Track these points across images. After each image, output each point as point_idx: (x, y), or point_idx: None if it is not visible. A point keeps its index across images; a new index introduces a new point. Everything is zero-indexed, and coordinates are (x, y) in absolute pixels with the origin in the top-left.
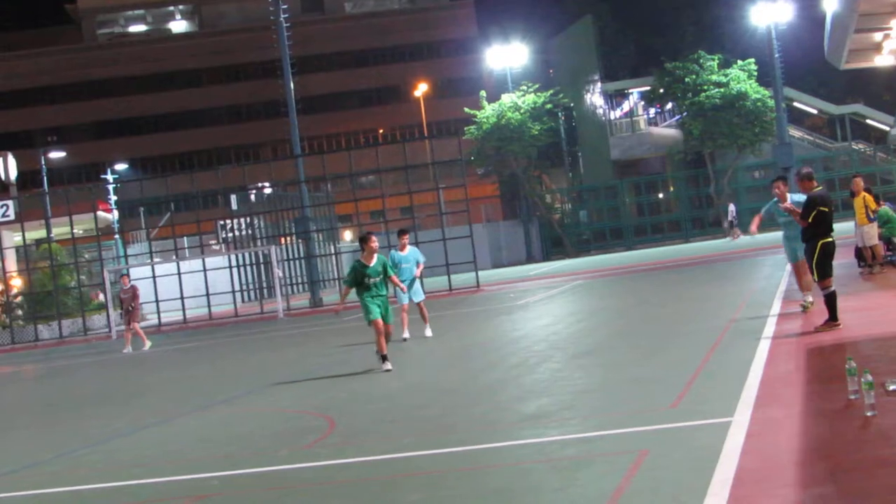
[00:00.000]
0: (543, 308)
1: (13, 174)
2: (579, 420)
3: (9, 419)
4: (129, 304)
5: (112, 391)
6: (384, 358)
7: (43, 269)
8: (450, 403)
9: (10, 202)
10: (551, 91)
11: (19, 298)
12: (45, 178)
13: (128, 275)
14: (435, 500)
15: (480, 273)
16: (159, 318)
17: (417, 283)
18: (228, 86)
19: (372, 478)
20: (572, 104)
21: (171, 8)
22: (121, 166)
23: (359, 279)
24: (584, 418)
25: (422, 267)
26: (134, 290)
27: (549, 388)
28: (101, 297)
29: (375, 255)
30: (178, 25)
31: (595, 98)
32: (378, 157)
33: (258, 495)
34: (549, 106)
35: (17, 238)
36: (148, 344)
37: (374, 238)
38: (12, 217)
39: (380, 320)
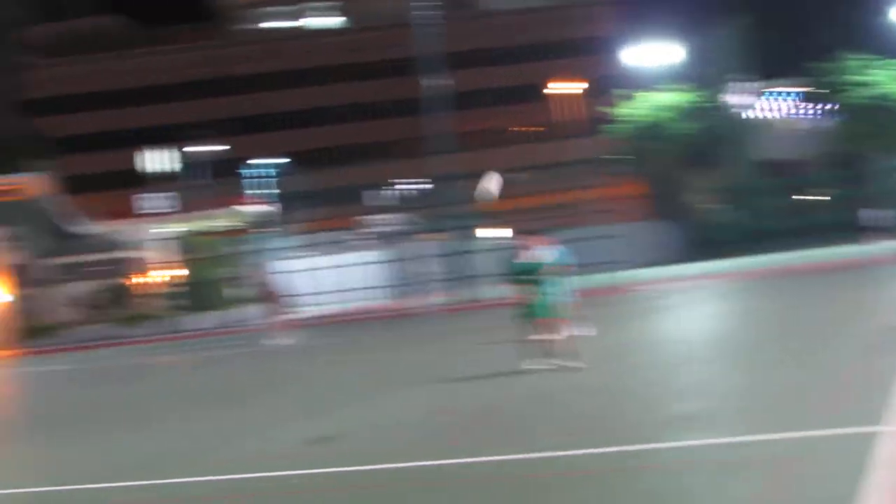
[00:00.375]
0: (692, 309)
1: (162, 167)
2: (729, 424)
3: (178, 407)
4: (271, 296)
5: (262, 382)
6: (549, 355)
7: (196, 260)
8: (599, 403)
9: (174, 194)
10: (697, 90)
11: (180, 288)
12: (209, 172)
13: (270, 268)
14: (584, 499)
15: (628, 272)
16: (312, 311)
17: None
18: (371, 82)
19: (526, 475)
20: (718, 103)
21: (313, 3)
22: (279, 160)
23: (520, 275)
24: (733, 422)
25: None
26: (276, 282)
27: (699, 390)
28: (255, 287)
29: (534, 252)
30: (321, 21)
31: (742, 97)
32: (524, 154)
33: (414, 489)
34: (695, 105)
35: (167, 230)
36: (282, 338)
37: (526, 236)
38: (175, 209)
39: (542, 317)
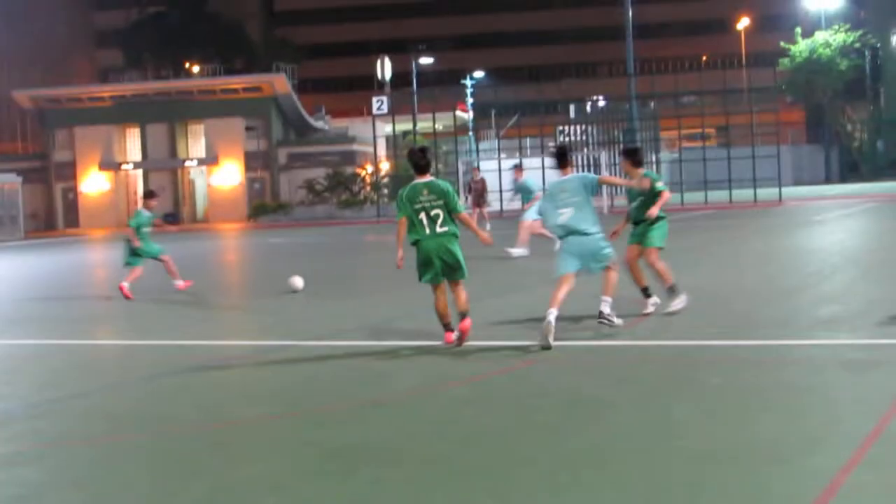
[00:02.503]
0: (839, 224)
1: (388, 75)
2: (869, 327)
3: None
4: (479, 193)
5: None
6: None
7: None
8: (751, 302)
9: (384, 98)
10: (861, 31)
11: (386, 179)
12: (414, 80)
13: (478, 167)
14: (733, 385)
15: (783, 189)
16: (501, 206)
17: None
18: (574, 10)
19: (678, 359)
20: (879, 44)
21: None
22: (478, 74)
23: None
24: (873, 325)
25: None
26: (483, 181)
27: (843, 296)
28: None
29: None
30: None
31: None
32: (701, 80)
33: (584, 362)
34: (857, 45)
35: (387, 129)
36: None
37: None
38: (385, 111)
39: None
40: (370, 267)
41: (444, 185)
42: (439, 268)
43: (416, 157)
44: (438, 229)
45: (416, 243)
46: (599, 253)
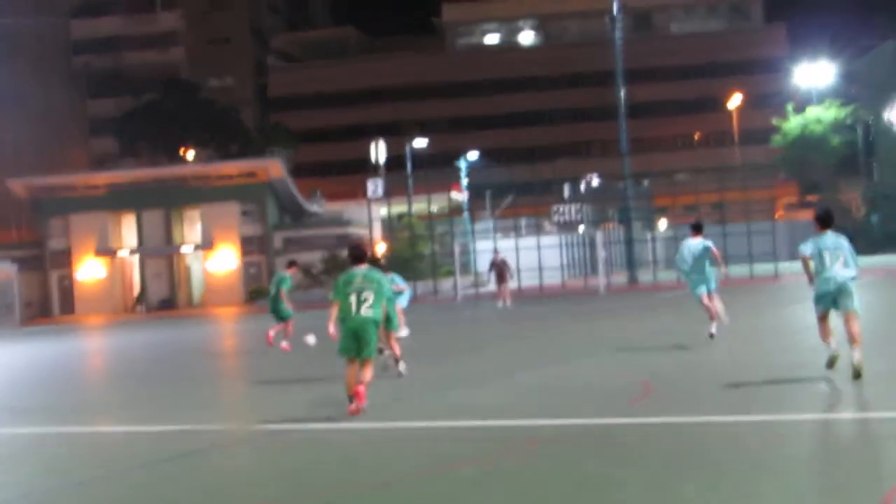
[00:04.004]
0: None
1: (383, 158)
2: (876, 401)
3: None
4: (500, 272)
5: (461, 343)
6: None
7: (403, 238)
8: (751, 377)
9: (379, 181)
10: (853, 106)
11: (383, 262)
12: (409, 162)
13: (497, 251)
14: (739, 461)
15: (779, 265)
16: (519, 283)
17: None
18: (567, 91)
19: (683, 436)
20: (872, 119)
21: (521, 23)
22: (473, 155)
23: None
24: (879, 399)
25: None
26: (504, 261)
27: (846, 371)
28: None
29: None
30: (526, 37)
31: (894, 114)
32: (695, 157)
33: (584, 443)
34: (849, 120)
35: (383, 211)
36: (504, 304)
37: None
38: (381, 194)
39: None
40: None
41: (378, 274)
42: (355, 344)
43: (353, 251)
44: (363, 312)
45: (342, 321)
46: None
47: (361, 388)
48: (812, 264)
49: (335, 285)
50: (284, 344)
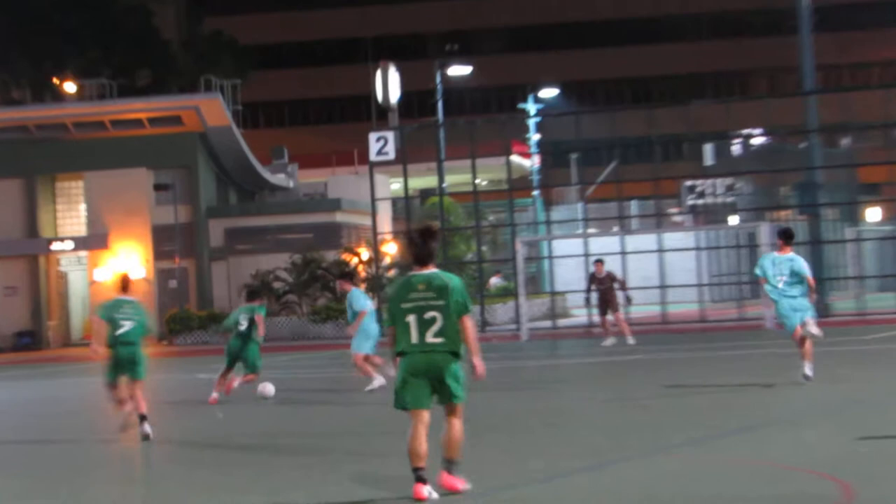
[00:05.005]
0: None
1: (395, 95)
2: None
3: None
4: (606, 294)
5: (525, 413)
6: None
7: (449, 232)
8: None
9: (388, 135)
10: None
11: (392, 272)
12: (439, 104)
13: (601, 261)
14: None
15: None
16: (589, 314)
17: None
18: None
19: None
20: None
21: None
22: (546, 92)
23: None
24: None
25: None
26: (612, 277)
27: None
28: (501, 278)
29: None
30: None
31: None
32: None
33: None
34: None
35: (395, 185)
36: (631, 339)
37: None
38: (391, 156)
39: None
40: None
41: (450, 277)
42: (424, 389)
43: (415, 245)
44: (430, 339)
45: (399, 355)
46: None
47: (452, 481)
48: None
49: (389, 300)
50: (214, 396)
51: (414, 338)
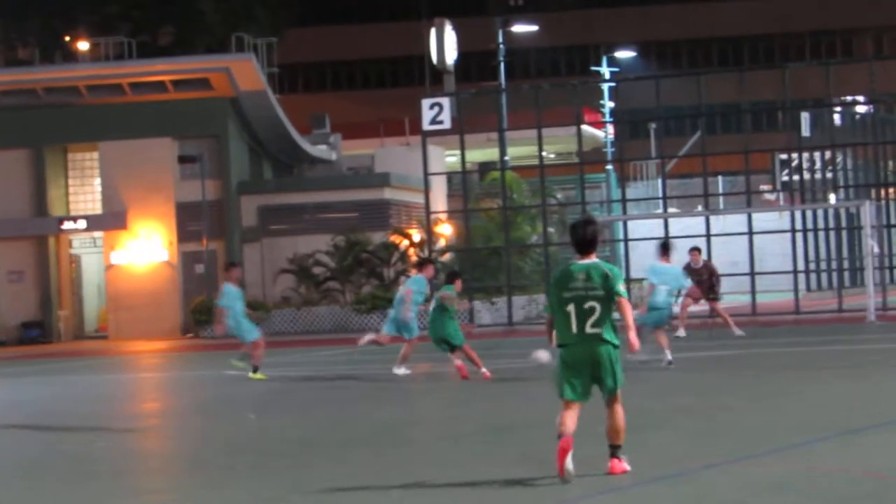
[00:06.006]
0: None
1: (452, 55)
2: None
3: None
4: (706, 285)
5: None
6: None
7: (489, 211)
8: None
9: (444, 101)
10: None
11: (447, 257)
12: (501, 66)
13: (698, 249)
14: None
15: None
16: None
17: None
18: None
19: None
20: None
21: None
22: (623, 54)
23: None
24: None
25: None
26: (709, 266)
27: None
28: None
29: None
30: None
31: None
32: None
33: None
34: None
35: (450, 158)
36: (738, 332)
37: None
38: (447, 124)
39: None
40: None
41: (609, 267)
42: (582, 382)
43: (578, 234)
44: (589, 329)
45: (561, 346)
46: None
47: (617, 465)
48: None
49: (549, 288)
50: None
51: (574, 328)
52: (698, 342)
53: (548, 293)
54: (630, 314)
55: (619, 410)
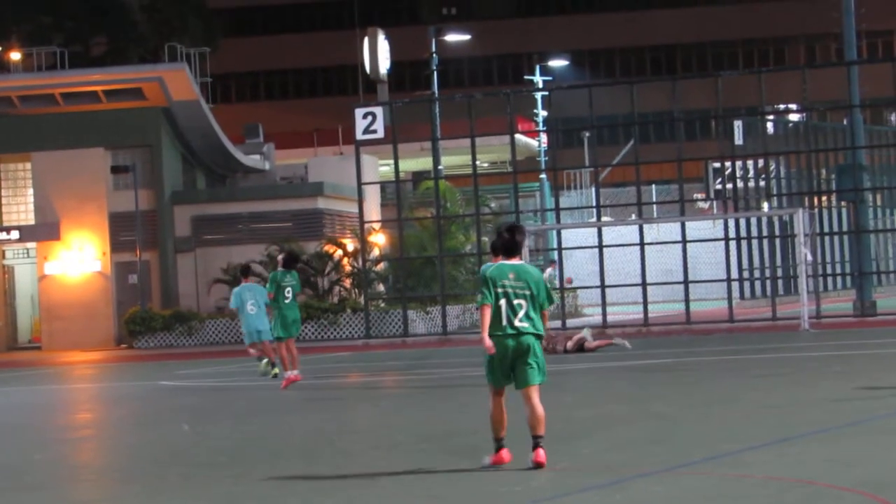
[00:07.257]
0: None
1: (385, 65)
2: None
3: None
4: None
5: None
6: None
7: (423, 220)
8: None
9: (377, 110)
10: None
11: (381, 266)
12: (434, 75)
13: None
14: None
15: None
16: (604, 312)
17: None
18: None
19: None
20: None
21: None
22: (556, 63)
23: None
24: None
25: None
26: None
27: None
28: (555, 269)
29: None
30: None
31: None
32: None
33: None
34: None
35: (384, 168)
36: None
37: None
38: (380, 133)
39: None
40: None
41: (538, 274)
42: (507, 370)
43: (505, 240)
44: (518, 323)
45: (491, 336)
46: None
47: (542, 455)
48: None
49: (483, 280)
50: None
51: (504, 321)
52: (631, 351)
53: (483, 285)
54: (546, 323)
55: (538, 401)
